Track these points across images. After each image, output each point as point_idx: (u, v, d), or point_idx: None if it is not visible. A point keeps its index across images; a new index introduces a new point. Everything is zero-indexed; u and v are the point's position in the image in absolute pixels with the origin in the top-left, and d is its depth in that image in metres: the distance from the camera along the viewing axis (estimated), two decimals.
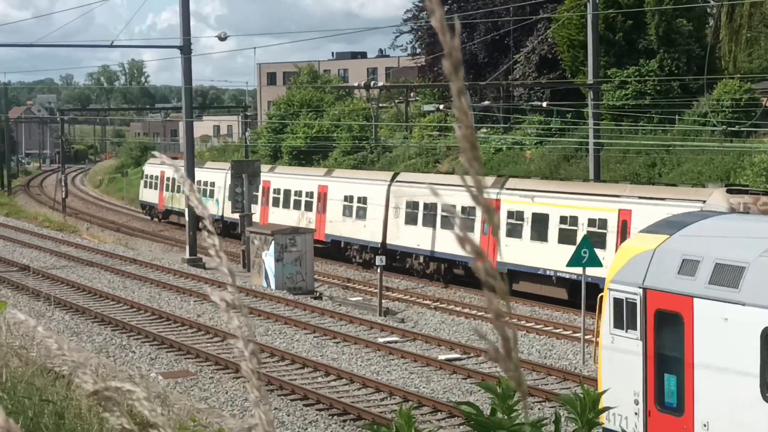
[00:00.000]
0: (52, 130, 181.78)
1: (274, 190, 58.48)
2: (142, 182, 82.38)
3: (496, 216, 1.71)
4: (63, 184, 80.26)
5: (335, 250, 53.17)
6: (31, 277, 43.38)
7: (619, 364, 18.11)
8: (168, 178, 74.01)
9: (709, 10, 62.24)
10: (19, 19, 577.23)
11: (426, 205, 45.30)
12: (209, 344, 31.73)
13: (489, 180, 49.32)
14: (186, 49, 50.93)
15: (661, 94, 56.58)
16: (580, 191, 39.00)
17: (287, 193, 57.37)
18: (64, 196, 79.89)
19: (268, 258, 42.37)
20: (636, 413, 17.68)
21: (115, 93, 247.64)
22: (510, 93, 67.21)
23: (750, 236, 17.07)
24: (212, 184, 66.40)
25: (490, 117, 67.32)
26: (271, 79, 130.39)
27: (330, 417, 24.76)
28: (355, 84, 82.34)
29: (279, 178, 58.99)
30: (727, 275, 16.20)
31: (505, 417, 3.65)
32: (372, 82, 71.47)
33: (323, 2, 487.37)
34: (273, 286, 41.97)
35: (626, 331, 17.94)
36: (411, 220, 47.12)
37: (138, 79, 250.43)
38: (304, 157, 78.89)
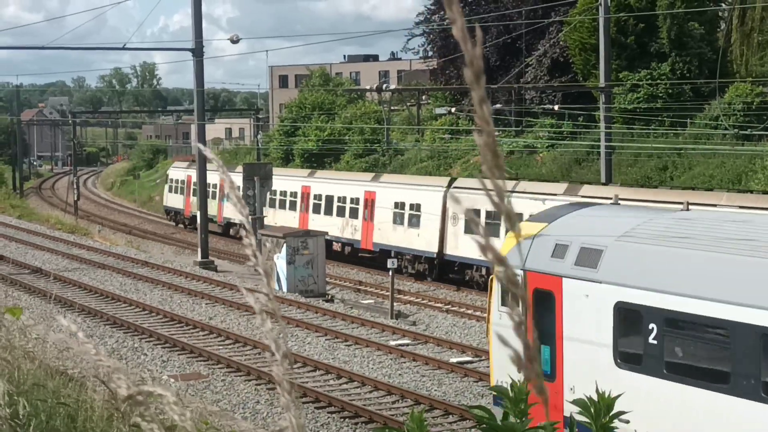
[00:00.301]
0: (63, 132, 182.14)
1: (315, 195, 56.23)
2: (166, 187, 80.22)
3: (518, 223, 1.75)
4: (75, 186, 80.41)
5: (383, 259, 46.81)
6: (43, 280, 43.50)
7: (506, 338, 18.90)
8: (196, 183, 69.72)
9: (720, 13, 62.20)
10: (31, 22, 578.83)
11: (489, 213, 42.48)
12: (221, 347, 31.80)
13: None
14: (198, 52, 51.02)
15: (672, 97, 56.54)
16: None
17: (329, 199, 54.94)
18: (75, 199, 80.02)
19: (280, 261, 42.42)
20: (518, 381, 18.41)
21: (126, 95, 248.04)
22: (522, 96, 67.20)
23: (610, 224, 19.42)
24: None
25: (502, 120, 67.32)
26: (283, 81, 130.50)
27: (342, 420, 24.81)
28: (367, 87, 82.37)
29: (320, 183, 56.67)
30: (589, 257, 18.53)
31: (518, 421, 3.67)
32: (384, 85, 71.51)
33: (335, 5, 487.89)
34: (285, 288, 41.99)
35: (505, 309, 19.57)
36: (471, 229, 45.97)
37: (150, 81, 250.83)
38: (315, 160, 78.94)
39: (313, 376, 28.62)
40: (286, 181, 57.89)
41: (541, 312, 19.28)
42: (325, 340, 32.79)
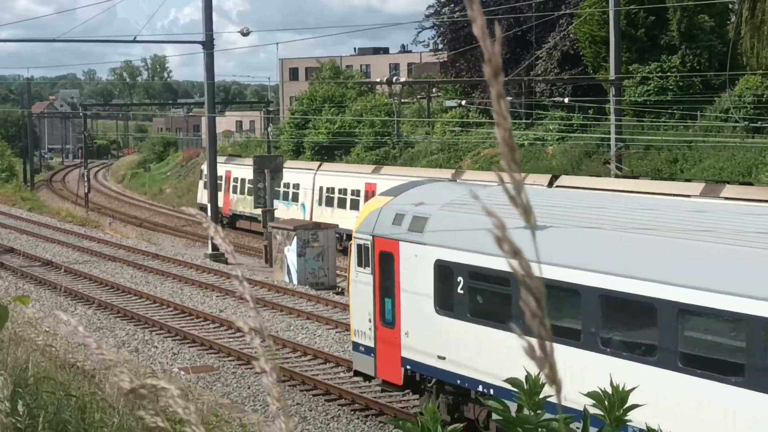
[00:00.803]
0: (74, 125, 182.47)
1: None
2: (200, 183, 77.54)
3: (533, 216, 1.81)
4: (85, 179, 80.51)
5: None
6: (53, 272, 43.59)
7: (360, 293, 24.35)
8: (236, 179, 67.12)
9: (731, 5, 62.05)
10: (42, 15, 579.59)
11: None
12: (232, 339, 31.84)
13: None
14: (208, 45, 51.04)
15: (682, 90, 56.48)
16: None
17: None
18: (86, 191, 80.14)
19: (291, 253, 42.45)
20: (370, 329, 23.88)
21: (137, 88, 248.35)
22: (532, 89, 67.14)
23: (439, 196, 23.11)
24: (296, 186, 59.47)
25: (512, 113, 67.24)
26: (294, 74, 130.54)
27: (352, 412, 24.84)
28: (378, 80, 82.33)
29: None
30: (418, 224, 22.56)
31: (532, 413, 3.67)
32: (394, 78, 71.52)
33: None
34: (295, 281, 42.02)
35: (364, 268, 24.13)
36: None
37: (160, 74, 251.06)
38: (326, 153, 78.98)
39: (323, 368, 28.67)
40: (345, 178, 56.20)
41: (385, 270, 23.53)
42: (336, 332, 32.81)
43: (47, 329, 18.92)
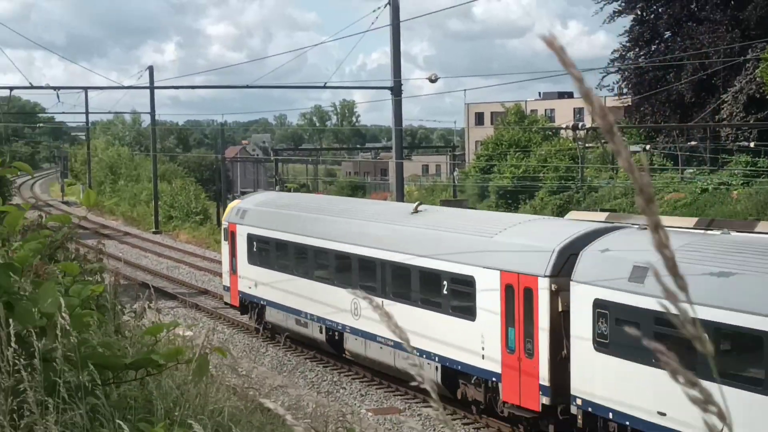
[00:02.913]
0: (266, 168, 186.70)
1: None
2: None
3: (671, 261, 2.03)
4: None
5: None
6: (245, 315, 45.19)
7: (225, 254, 44.02)
8: None
9: None
10: (234, 62, 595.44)
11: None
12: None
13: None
14: (397, 91, 52.18)
15: None
16: None
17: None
18: None
19: None
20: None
21: (326, 132, 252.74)
22: (717, 133, 66.65)
23: (264, 199, 43.91)
24: None
25: (696, 157, 66.89)
26: (479, 119, 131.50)
27: None
28: (563, 125, 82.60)
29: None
30: (244, 215, 41.61)
31: None
32: (580, 124, 71.71)
33: (528, 43, 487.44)
34: None
35: (225, 241, 43.78)
36: None
37: (349, 118, 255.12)
38: (510, 197, 79.59)
39: None
40: None
41: (232, 244, 42.57)
42: None
43: (242, 371, 20.07)
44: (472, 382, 28.10)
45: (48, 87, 61.20)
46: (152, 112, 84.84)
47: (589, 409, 23.35)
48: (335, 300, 34.05)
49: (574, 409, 23.94)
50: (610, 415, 22.86)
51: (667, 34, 72.74)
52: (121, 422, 6.12)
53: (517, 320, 25.90)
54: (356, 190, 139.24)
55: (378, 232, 32.98)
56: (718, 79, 65.68)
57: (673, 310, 1.84)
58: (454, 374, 28.83)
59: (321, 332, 35.75)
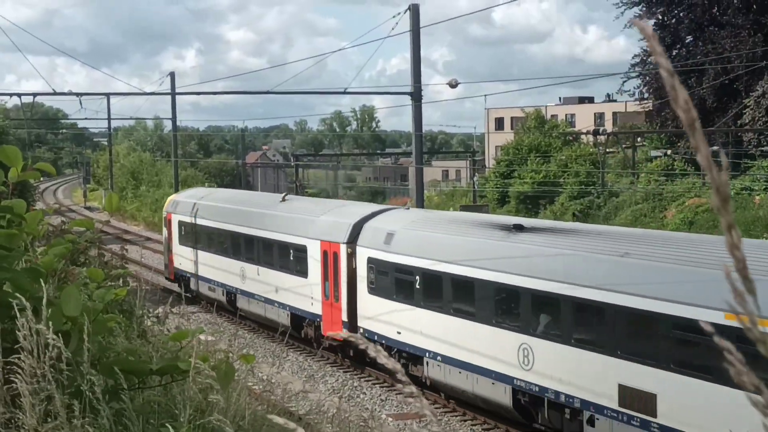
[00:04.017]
0: (286, 174, 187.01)
1: None
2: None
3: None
4: None
5: None
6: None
7: (165, 238, 54.43)
8: None
9: None
10: (255, 68, 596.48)
11: None
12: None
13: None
14: (417, 96, 52.19)
15: None
16: None
17: None
18: None
19: None
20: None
21: (346, 138, 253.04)
22: (739, 138, 66.47)
23: (194, 195, 53.96)
24: None
25: (718, 162, 66.68)
26: (499, 124, 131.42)
27: None
28: (583, 130, 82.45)
29: None
30: (178, 206, 52.63)
31: None
32: (600, 129, 71.62)
33: (548, 48, 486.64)
34: None
35: (165, 228, 53.65)
36: None
37: (369, 124, 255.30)
38: (530, 202, 79.50)
39: None
40: None
41: (169, 229, 52.68)
42: None
43: (263, 376, 20.11)
44: (306, 323, 38.38)
45: (71, 93, 61.58)
46: (173, 118, 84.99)
47: (369, 337, 31.77)
48: (230, 269, 45.10)
49: None
50: (376, 338, 32.50)
51: (689, 38, 72.57)
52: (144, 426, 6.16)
53: (330, 275, 36.05)
54: (376, 195, 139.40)
55: (255, 216, 43.78)
56: (740, 83, 65.49)
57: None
58: (299, 318, 38.72)
59: (223, 295, 46.09)
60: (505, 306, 27.01)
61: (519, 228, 28.37)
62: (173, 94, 76.63)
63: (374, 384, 34.20)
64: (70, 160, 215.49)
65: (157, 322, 13.73)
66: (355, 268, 34.42)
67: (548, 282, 24.83)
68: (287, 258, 39.48)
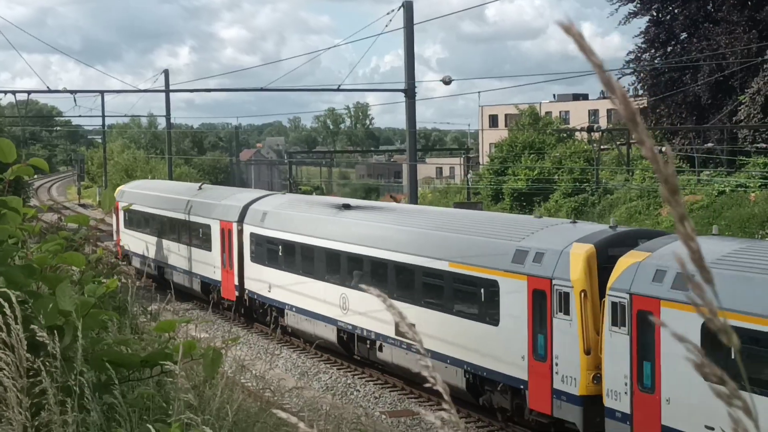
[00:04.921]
0: (280, 171, 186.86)
1: None
2: None
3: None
4: None
5: None
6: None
7: (114, 223, 63.01)
8: None
9: None
10: (248, 65, 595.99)
11: None
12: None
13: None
14: (410, 93, 52.11)
15: None
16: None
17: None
18: None
19: None
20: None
21: (340, 135, 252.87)
22: (734, 135, 66.45)
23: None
24: None
25: (713, 159, 66.70)
26: (493, 121, 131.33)
27: None
28: (577, 127, 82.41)
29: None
30: (127, 196, 59.12)
31: None
32: (595, 126, 71.54)
33: (542, 45, 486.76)
34: None
35: (114, 215, 60.87)
36: None
37: (363, 121, 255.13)
38: (524, 199, 79.40)
39: None
40: None
41: (117, 216, 59.58)
42: None
43: (256, 373, 20.04)
44: (212, 287, 46.65)
45: (65, 90, 61.32)
46: (167, 115, 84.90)
47: (251, 296, 42.60)
48: (163, 247, 53.11)
49: (246, 299, 43.11)
50: (255, 297, 42.25)
51: (684, 35, 72.47)
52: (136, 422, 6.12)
53: (227, 249, 44.53)
54: (370, 192, 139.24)
55: (176, 201, 52.14)
56: (735, 80, 65.46)
57: None
58: (207, 285, 47.34)
59: (156, 271, 53.05)
60: (331, 266, 35.53)
61: (347, 207, 37.57)
62: (167, 91, 76.58)
63: (368, 381, 34.16)
64: (65, 158, 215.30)
65: (150, 318, 13.68)
66: (243, 242, 43.42)
67: (357, 246, 33.66)
68: (199, 236, 48.55)
